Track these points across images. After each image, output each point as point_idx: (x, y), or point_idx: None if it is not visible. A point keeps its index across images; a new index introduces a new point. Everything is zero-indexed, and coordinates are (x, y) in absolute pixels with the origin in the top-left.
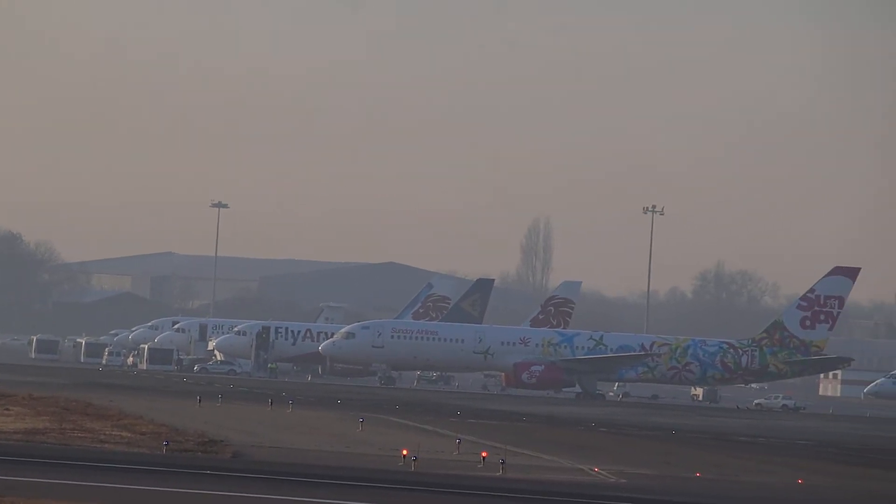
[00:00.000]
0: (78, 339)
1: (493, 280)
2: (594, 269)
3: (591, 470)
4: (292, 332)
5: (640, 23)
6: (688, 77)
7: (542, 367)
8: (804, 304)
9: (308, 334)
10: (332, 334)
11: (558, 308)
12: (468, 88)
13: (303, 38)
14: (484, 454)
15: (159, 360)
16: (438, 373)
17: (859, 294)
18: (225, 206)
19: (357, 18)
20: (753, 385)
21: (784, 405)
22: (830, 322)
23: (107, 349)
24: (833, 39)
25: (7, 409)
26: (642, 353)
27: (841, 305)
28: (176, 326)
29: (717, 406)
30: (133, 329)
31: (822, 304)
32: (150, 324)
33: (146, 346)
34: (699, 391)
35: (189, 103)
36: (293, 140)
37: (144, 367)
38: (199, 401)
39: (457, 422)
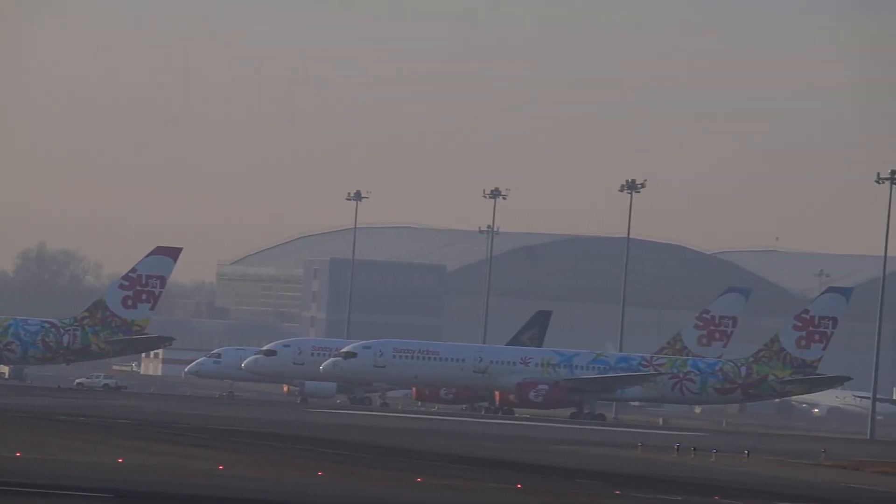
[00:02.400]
0: None
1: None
2: None
3: None
4: None
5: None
6: None
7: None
8: (126, 283)
9: None
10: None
11: None
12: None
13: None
14: None
15: None
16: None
17: (181, 274)
18: None
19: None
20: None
21: (105, 384)
22: (152, 301)
23: None
24: None
25: None
26: None
27: (162, 285)
28: None
29: (34, 386)
30: None
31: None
32: None
33: None
34: (6, 369)
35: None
36: None
37: None
38: None
39: None
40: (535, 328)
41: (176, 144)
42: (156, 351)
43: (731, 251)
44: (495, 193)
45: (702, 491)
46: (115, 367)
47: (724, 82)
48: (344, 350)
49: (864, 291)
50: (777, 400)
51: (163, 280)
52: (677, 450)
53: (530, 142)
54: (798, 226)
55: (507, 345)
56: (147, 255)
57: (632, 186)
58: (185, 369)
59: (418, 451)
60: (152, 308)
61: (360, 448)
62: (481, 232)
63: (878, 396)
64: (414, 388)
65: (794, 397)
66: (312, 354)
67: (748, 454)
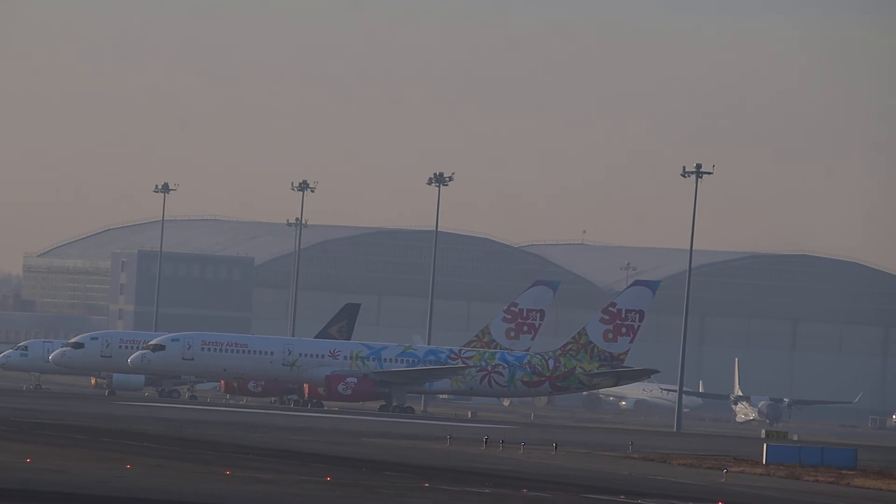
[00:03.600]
0: None
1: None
2: None
3: None
4: None
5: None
6: None
7: (357, 378)
8: None
9: None
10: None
11: None
12: None
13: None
14: None
15: None
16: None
17: None
18: None
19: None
20: None
21: None
22: None
23: None
24: None
25: None
26: None
27: None
28: None
29: None
30: None
31: None
32: None
33: None
34: None
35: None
36: None
37: None
38: None
39: None
40: (344, 321)
41: None
42: None
43: (538, 244)
44: (303, 186)
45: (510, 483)
46: None
47: (526, 76)
48: (152, 343)
49: (671, 285)
50: (585, 392)
51: None
52: (486, 442)
53: (338, 134)
54: (605, 219)
55: (315, 338)
56: None
57: (440, 179)
58: None
59: (227, 444)
60: None
61: (169, 441)
62: (289, 224)
63: (684, 389)
64: (223, 381)
65: (601, 390)
66: (120, 347)
67: (556, 447)
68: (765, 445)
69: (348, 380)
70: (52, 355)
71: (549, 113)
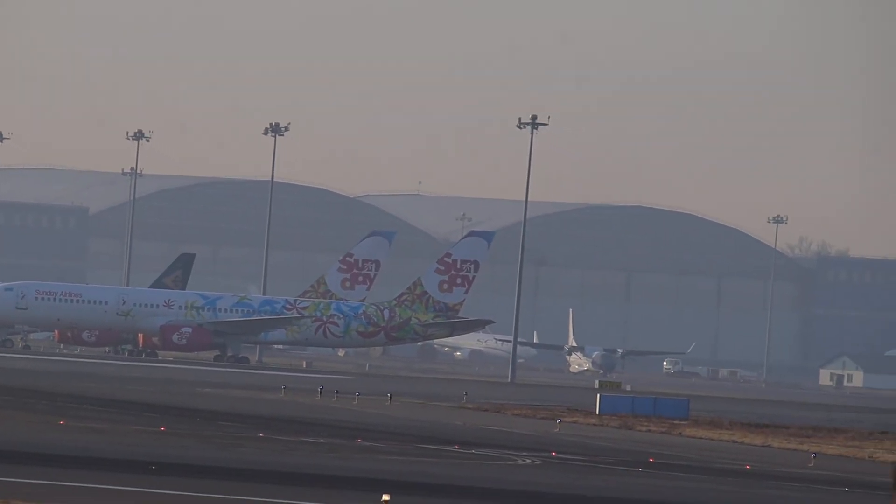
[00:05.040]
0: None
1: None
2: None
3: None
4: None
5: None
6: None
7: (192, 328)
8: None
9: None
10: None
11: None
12: None
13: None
14: None
15: None
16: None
17: None
18: None
19: None
20: None
21: None
22: None
23: None
24: None
25: None
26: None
27: None
28: None
29: None
30: None
31: None
32: None
33: None
34: None
35: None
36: None
37: None
38: None
39: None
40: (179, 271)
41: None
42: None
43: (374, 195)
44: (138, 135)
45: (344, 434)
46: None
47: (363, 26)
48: None
49: (506, 236)
50: (420, 343)
51: None
52: (320, 393)
53: (175, 84)
54: (440, 170)
55: (150, 288)
56: None
57: (276, 130)
58: None
59: (61, 393)
60: None
61: (2, 390)
62: (124, 174)
63: (518, 340)
64: (56, 331)
65: (436, 340)
66: (37, 299)
67: (391, 397)
68: (598, 396)
69: (183, 330)
70: None
71: (387, 64)
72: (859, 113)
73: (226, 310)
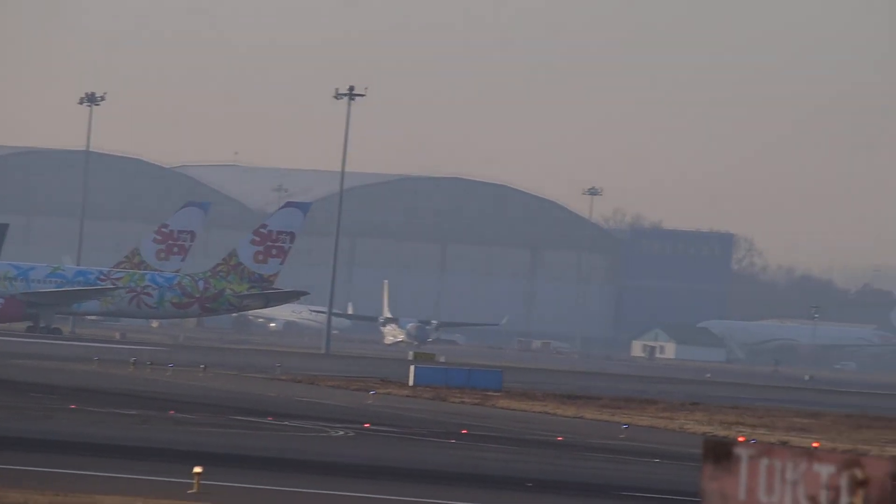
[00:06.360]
0: None
1: None
2: None
3: None
4: None
5: None
6: None
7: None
8: None
9: None
10: None
11: None
12: None
13: None
14: None
15: None
16: None
17: None
18: None
19: None
20: None
21: None
22: None
23: None
24: None
25: None
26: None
27: None
28: None
29: None
30: None
31: None
32: None
33: None
34: None
35: None
36: None
37: None
38: None
39: None
40: None
41: None
42: None
43: (190, 165)
44: None
45: (157, 405)
46: None
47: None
48: None
49: (323, 206)
50: (234, 314)
51: None
52: (133, 364)
53: None
54: (257, 140)
55: None
56: None
57: (91, 99)
58: None
59: None
60: None
61: None
62: None
63: (333, 311)
64: None
65: (251, 311)
66: None
67: (204, 368)
68: (412, 367)
69: None
70: None
71: (200, 30)
72: (673, 86)
73: (39, 280)
